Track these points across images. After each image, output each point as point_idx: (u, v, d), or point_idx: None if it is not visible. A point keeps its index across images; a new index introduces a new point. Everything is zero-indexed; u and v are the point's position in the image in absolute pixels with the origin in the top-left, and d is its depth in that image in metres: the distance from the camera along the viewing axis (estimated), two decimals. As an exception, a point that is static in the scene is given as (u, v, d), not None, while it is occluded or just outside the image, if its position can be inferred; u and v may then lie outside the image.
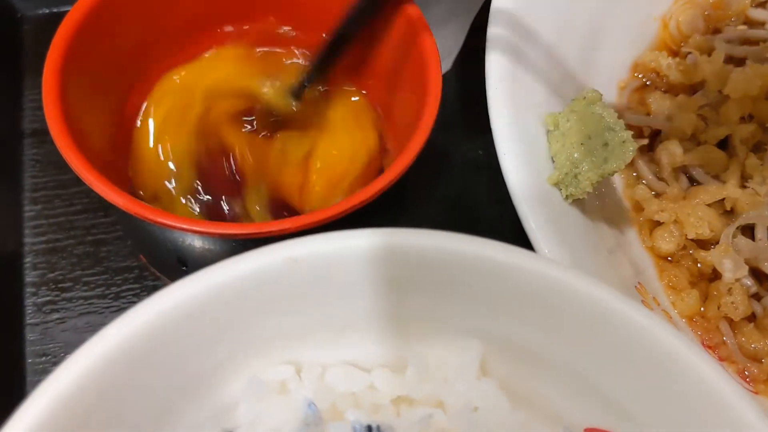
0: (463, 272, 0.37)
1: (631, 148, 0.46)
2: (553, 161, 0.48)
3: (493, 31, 0.50)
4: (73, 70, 0.48)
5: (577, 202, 0.48)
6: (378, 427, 0.35)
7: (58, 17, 0.72)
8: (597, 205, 0.52)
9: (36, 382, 0.58)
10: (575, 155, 0.46)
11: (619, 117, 0.56)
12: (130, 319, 0.35)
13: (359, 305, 0.39)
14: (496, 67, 0.49)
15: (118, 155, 0.53)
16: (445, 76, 0.74)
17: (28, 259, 0.61)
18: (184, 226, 0.42)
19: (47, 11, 0.75)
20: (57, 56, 0.47)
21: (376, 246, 0.37)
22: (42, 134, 0.67)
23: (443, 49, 0.69)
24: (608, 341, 0.37)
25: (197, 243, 0.48)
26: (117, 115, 0.54)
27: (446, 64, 0.71)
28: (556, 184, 0.47)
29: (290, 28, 0.57)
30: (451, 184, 0.67)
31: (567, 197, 0.47)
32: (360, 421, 0.35)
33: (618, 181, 0.55)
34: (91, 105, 0.51)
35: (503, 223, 0.59)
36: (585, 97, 0.48)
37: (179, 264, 0.51)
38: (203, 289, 0.36)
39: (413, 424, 0.37)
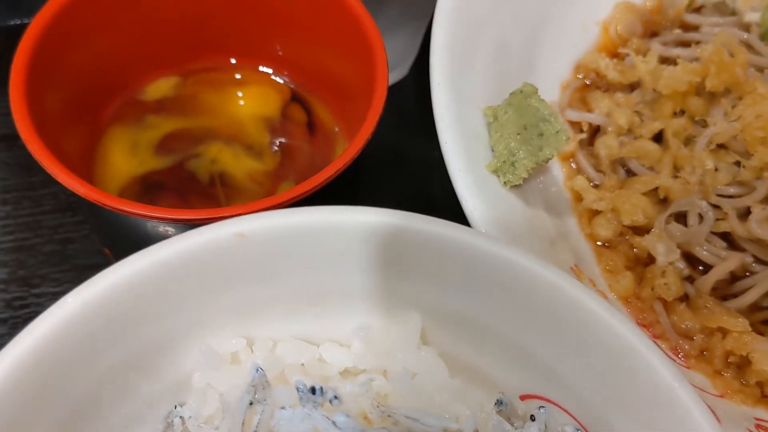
0: (407, 247, 0.40)
1: (565, 137, 0.49)
2: (493, 151, 0.51)
3: (438, 29, 0.53)
4: (40, 76, 0.50)
5: (518, 191, 0.51)
6: (321, 388, 0.37)
7: (24, 27, 0.75)
8: (539, 196, 0.55)
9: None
10: (512, 144, 0.49)
11: (561, 113, 0.59)
12: (84, 291, 0.38)
13: (308, 281, 0.42)
14: (439, 63, 0.52)
15: (86, 162, 0.56)
16: (402, 82, 0.78)
17: (-4, 258, 0.63)
18: (146, 213, 0.44)
19: (19, 22, 0.77)
20: (23, 60, 0.49)
21: (322, 221, 0.39)
22: (11, 139, 0.70)
23: (398, 53, 0.72)
24: (540, 310, 0.40)
25: (157, 232, 0.50)
26: (88, 125, 0.57)
27: (402, 70, 0.74)
28: (495, 172, 0.50)
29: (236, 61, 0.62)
30: (407, 182, 0.70)
31: (505, 183, 0.50)
32: (303, 382, 0.37)
33: (559, 173, 0.59)
34: (60, 111, 0.53)
35: (454, 217, 0.62)
36: (522, 91, 0.51)
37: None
38: (153, 262, 0.38)
39: (356, 387, 0.39)
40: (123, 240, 0.55)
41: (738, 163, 0.55)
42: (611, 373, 0.39)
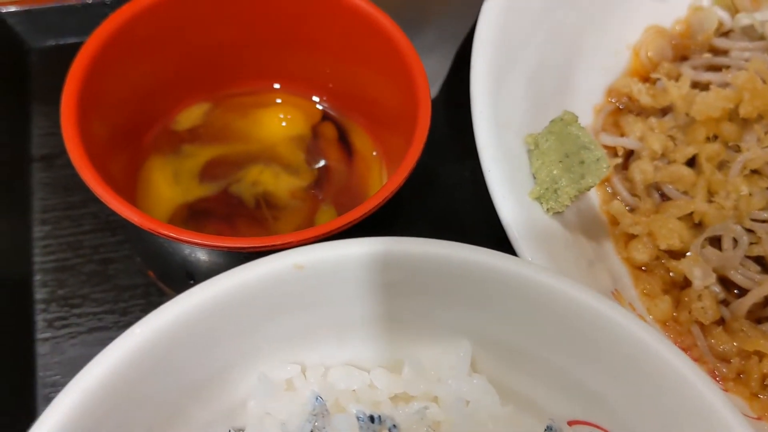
0: (453, 277, 0.41)
1: (605, 165, 0.50)
2: (534, 178, 0.52)
3: (478, 60, 0.54)
4: (89, 101, 0.51)
5: (558, 216, 0.52)
6: (379, 417, 0.38)
7: (63, 49, 0.77)
8: (576, 220, 0.56)
9: (46, 395, 0.61)
10: (554, 172, 0.50)
11: (595, 137, 0.60)
12: (144, 325, 0.38)
13: (359, 309, 0.43)
14: (480, 92, 0.53)
15: (130, 189, 0.57)
16: (432, 102, 0.79)
17: (38, 277, 0.64)
18: (196, 240, 0.45)
19: (53, 43, 0.78)
20: (74, 85, 0.51)
21: (375, 252, 0.40)
22: (50, 159, 0.71)
23: (429, 75, 0.73)
24: (587, 338, 0.41)
25: (205, 257, 0.51)
26: (130, 152, 0.58)
27: (433, 91, 0.75)
28: (537, 199, 0.51)
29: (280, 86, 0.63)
30: (440, 203, 0.71)
31: (548, 210, 0.51)
32: (363, 411, 0.38)
33: (595, 197, 0.60)
34: (106, 138, 0.54)
35: (490, 240, 0.63)
36: (562, 119, 0.52)
37: (187, 278, 0.54)
38: (213, 295, 0.39)
39: (411, 415, 0.40)
40: (169, 264, 0.56)
41: (772, 189, 0.56)
42: (659, 399, 0.40)
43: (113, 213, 0.67)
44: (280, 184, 0.58)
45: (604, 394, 0.42)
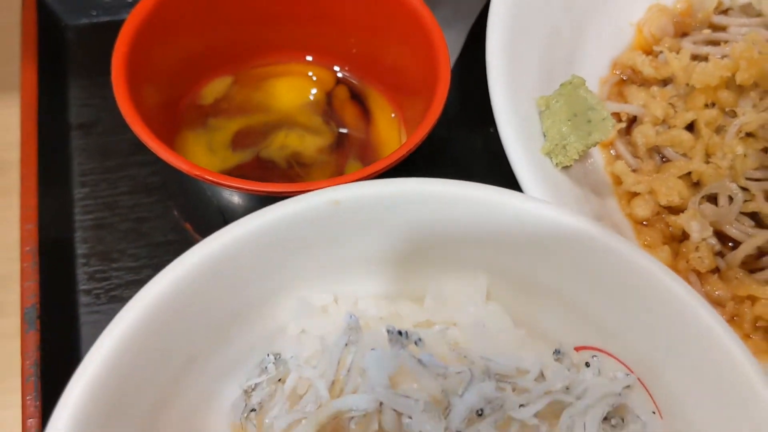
0: (474, 215, 0.45)
1: (611, 124, 0.54)
2: (545, 136, 0.56)
3: (493, 31, 0.59)
4: (134, 69, 0.55)
5: (566, 172, 0.57)
6: (407, 333, 0.43)
7: (97, 27, 0.81)
8: (583, 178, 0.60)
9: (90, 339, 0.65)
10: (563, 129, 0.54)
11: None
12: (194, 253, 0.43)
13: (387, 245, 0.47)
14: (496, 60, 0.57)
15: (170, 139, 0.62)
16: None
17: (78, 234, 0.69)
18: (242, 186, 0.50)
19: (87, 21, 0.83)
20: (122, 52, 0.55)
21: (405, 191, 0.45)
22: (87, 127, 0.75)
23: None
24: (596, 269, 0.45)
25: (244, 203, 0.55)
26: (167, 123, 0.63)
27: (448, 66, 0.79)
28: (548, 154, 0.55)
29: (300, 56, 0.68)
30: (452, 172, 0.75)
31: (557, 165, 0.55)
32: (392, 326, 0.42)
33: (599, 160, 0.64)
34: (150, 105, 0.59)
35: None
36: (571, 82, 0.56)
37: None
38: (259, 226, 0.43)
39: (433, 334, 0.45)
40: (208, 216, 0.60)
41: (765, 150, 0.60)
42: (660, 323, 0.43)
43: (148, 175, 0.72)
44: (306, 143, 0.63)
45: (609, 322, 0.46)
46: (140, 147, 0.72)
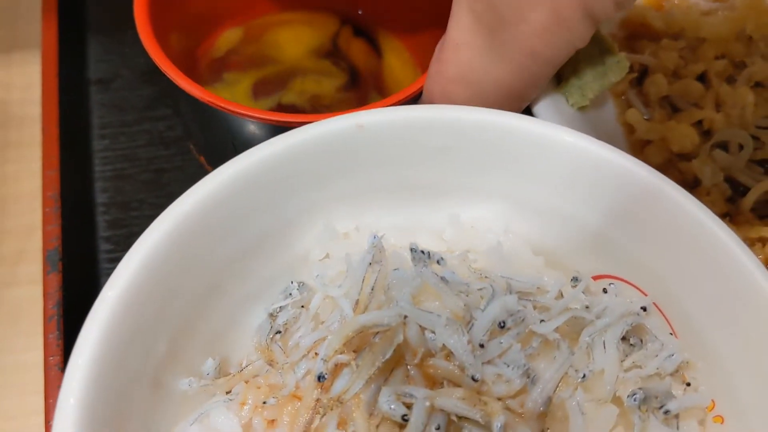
0: (493, 139, 0.46)
1: (626, 65, 0.55)
2: (561, 76, 0.57)
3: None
4: (157, 18, 0.57)
5: (581, 115, 0.58)
6: (429, 252, 0.44)
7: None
8: (596, 123, 0.61)
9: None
10: (579, 69, 0.55)
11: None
12: (220, 174, 0.44)
13: (410, 172, 0.48)
14: None
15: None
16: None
17: (98, 184, 0.70)
18: (265, 117, 0.51)
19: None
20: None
21: (428, 117, 0.46)
22: (105, 82, 0.77)
23: None
24: (613, 196, 0.46)
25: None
26: (191, 59, 0.64)
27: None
28: (564, 93, 0.56)
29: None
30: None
31: (572, 105, 0.56)
32: (415, 244, 0.43)
33: (612, 109, 0.65)
34: (171, 40, 0.60)
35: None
36: (586, 27, 0.57)
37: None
38: (284, 147, 0.45)
39: (455, 257, 0.46)
40: (224, 149, 0.61)
41: (775, 98, 0.61)
42: (679, 249, 0.44)
43: (166, 129, 0.73)
44: (324, 86, 0.64)
45: (628, 249, 0.47)
46: (157, 101, 0.74)
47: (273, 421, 0.42)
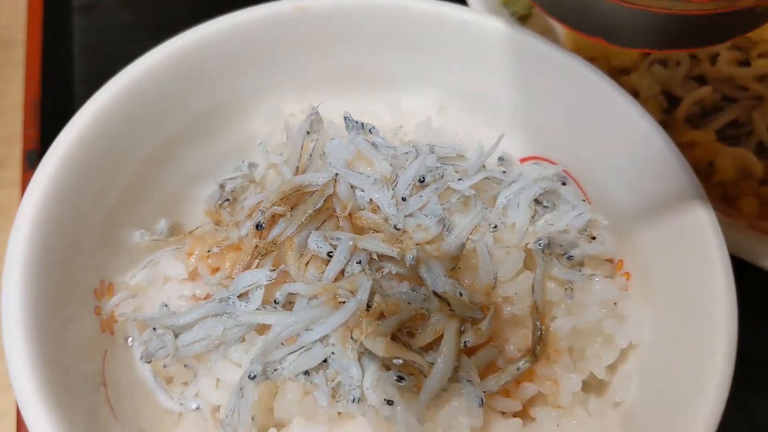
0: (431, 27, 0.50)
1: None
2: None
3: None
4: None
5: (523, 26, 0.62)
6: (362, 123, 0.48)
7: None
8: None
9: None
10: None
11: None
12: (163, 48, 0.48)
13: (352, 59, 0.52)
14: None
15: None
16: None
17: (78, 89, 0.74)
18: None
19: None
20: None
21: (370, 3, 0.50)
22: (88, 9, 0.81)
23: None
24: (536, 78, 0.50)
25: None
26: None
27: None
28: (505, 4, 0.60)
29: None
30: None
31: (513, 14, 0.60)
32: (349, 114, 0.47)
33: (560, 30, 0.69)
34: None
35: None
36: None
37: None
38: (221, 28, 0.49)
39: (387, 129, 0.50)
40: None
41: (712, 16, 0.64)
42: (598, 130, 0.48)
43: (142, 51, 0.77)
44: None
45: (550, 128, 0.51)
46: (138, 27, 0.78)
47: (217, 268, 0.46)
